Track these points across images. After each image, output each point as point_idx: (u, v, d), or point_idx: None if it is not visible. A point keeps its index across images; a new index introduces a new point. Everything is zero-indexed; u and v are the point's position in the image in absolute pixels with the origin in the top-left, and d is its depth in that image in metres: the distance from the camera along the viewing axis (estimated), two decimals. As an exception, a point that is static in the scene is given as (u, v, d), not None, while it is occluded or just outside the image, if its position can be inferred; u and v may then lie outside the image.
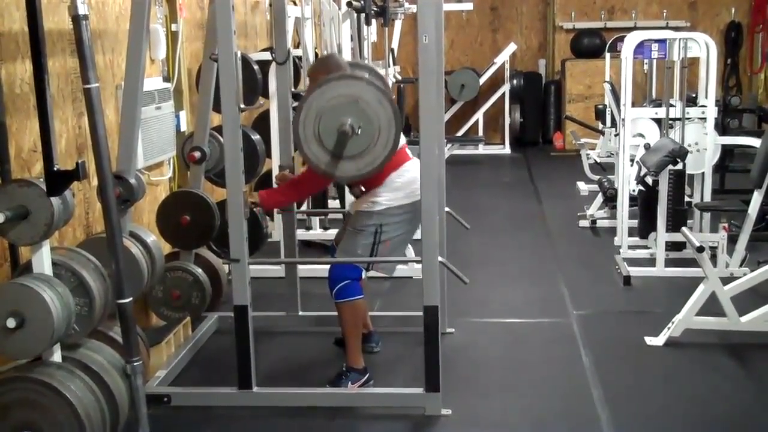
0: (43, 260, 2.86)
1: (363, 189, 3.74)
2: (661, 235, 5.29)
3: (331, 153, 3.27)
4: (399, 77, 8.23)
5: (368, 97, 3.24)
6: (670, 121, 5.82)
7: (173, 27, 4.92)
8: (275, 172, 4.73)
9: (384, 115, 3.25)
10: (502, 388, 3.81)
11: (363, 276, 3.77)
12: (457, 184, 7.40)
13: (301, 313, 4.56)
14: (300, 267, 4.68)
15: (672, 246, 5.44)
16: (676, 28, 9.73)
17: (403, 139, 3.85)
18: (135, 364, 3.01)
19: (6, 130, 3.15)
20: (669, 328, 4.23)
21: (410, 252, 5.40)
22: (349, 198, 4.27)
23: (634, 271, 5.30)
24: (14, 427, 2.83)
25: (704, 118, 5.66)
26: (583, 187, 7.97)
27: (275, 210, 4.95)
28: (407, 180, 3.71)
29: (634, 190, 5.91)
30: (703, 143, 5.63)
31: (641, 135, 6.11)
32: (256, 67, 5.16)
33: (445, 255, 4.11)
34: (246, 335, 3.49)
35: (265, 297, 4.51)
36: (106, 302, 3.03)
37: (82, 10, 2.84)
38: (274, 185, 4.70)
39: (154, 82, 4.50)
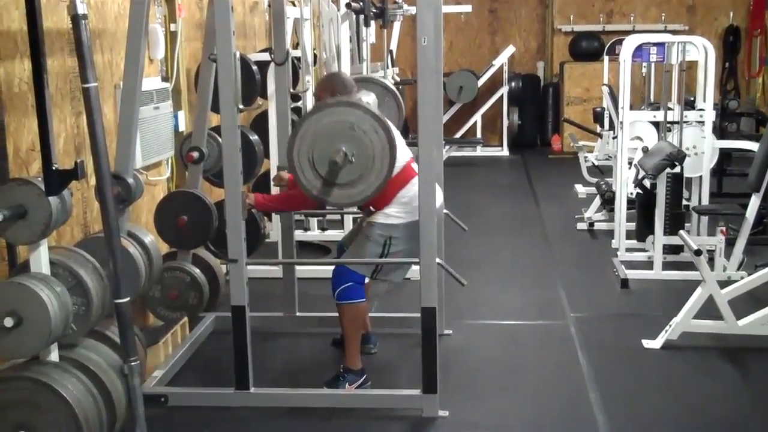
0: (40, 259, 2.85)
1: (372, 209, 3.73)
2: (659, 238, 5.30)
3: (323, 180, 3.27)
4: (398, 79, 8.23)
5: (364, 125, 3.24)
6: (668, 125, 5.83)
7: (172, 27, 4.92)
8: (273, 172, 4.73)
9: (379, 143, 3.25)
10: (499, 390, 3.81)
11: (366, 281, 3.77)
12: (455, 186, 7.39)
13: (298, 313, 4.56)
14: (298, 268, 4.68)
15: (670, 249, 5.45)
16: (675, 32, 9.73)
17: (409, 154, 3.86)
18: (132, 363, 3.01)
19: (4, 129, 3.15)
20: (666, 332, 4.23)
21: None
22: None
23: (632, 274, 5.30)
24: (11, 426, 2.83)
25: (702, 122, 5.67)
26: (580, 189, 7.97)
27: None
28: (415, 195, 3.68)
29: (631, 193, 5.91)
30: (701, 147, 5.64)
31: (639, 138, 6.11)
32: (254, 67, 5.16)
33: (443, 257, 4.11)
34: (243, 336, 3.49)
35: (262, 297, 4.50)
36: (103, 302, 3.03)
37: (81, 9, 2.84)
38: (272, 185, 4.69)
39: (153, 82, 4.50)
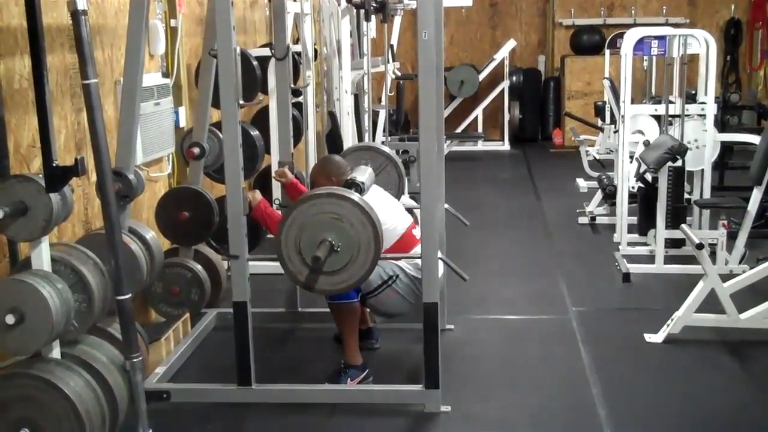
0: (42, 256, 2.85)
1: None
2: (661, 232, 5.29)
3: (309, 268, 3.31)
4: (398, 73, 8.22)
5: (352, 218, 3.28)
6: (670, 118, 5.82)
7: (172, 22, 4.91)
8: (274, 168, 4.73)
9: (365, 236, 3.28)
10: (502, 385, 3.81)
11: (356, 298, 3.76)
12: (457, 181, 7.39)
13: (300, 309, 4.56)
14: (299, 263, 4.67)
15: (671, 243, 5.44)
16: (676, 25, 9.73)
17: (408, 220, 3.88)
18: (134, 360, 3.00)
19: (5, 126, 3.15)
20: (668, 325, 4.23)
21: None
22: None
23: (634, 268, 5.30)
24: (13, 423, 2.83)
25: (704, 115, 5.66)
26: (582, 183, 7.96)
27: (275, 206, 4.93)
28: (418, 264, 3.64)
29: (633, 187, 5.91)
30: (703, 140, 5.63)
31: (641, 132, 6.10)
32: (255, 63, 5.15)
33: (445, 251, 4.10)
34: (245, 332, 3.49)
35: (264, 293, 4.51)
36: (105, 298, 3.02)
37: (81, 5, 2.83)
38: (273, 181, 4.69)
39: (153, 78, 4.49)
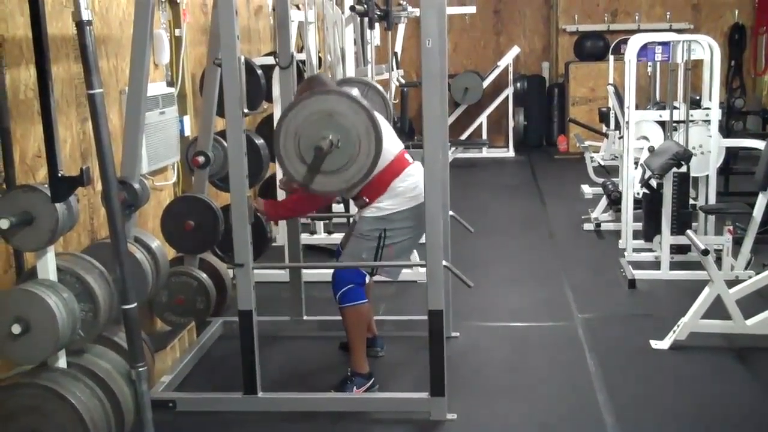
0: (47, 266, 2.86)
1: (367, 200, 3.73)
2: (666, 238, 5.28)
3: (314, 170, 3.28)
4: (402, 81, 8.24)
5: (342, 109, 3.24)
6: (674, 124, 5.81)
7: (177, 32, 4.93)
8: (279, 176, 4.73)
9: (361, 123, 3.25)
10: (507, 392, 3.80)
11: (367, 281, 3.77)
12: (461, 188, 7.40)
13: (305, 317, 4.56)
14: (304, 271, 4.68)
15: (677, 249, 5.43)
16: (680, 31, 9.72)
17: (400, 145, 3.87)
18: (140, 369, 3.01)
19: (10, 136, 3.16)
20: (674, 332, 4.22)
21: (415, 256, 5.40)
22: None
23: (639, 274, 5.29)
24: (19, 432, 2.84)
25: (708, 121, 5.65)
26: (587, 190, 7.95)
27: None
28: (410, 184, 3.71)
29: (638, 193, 5.90)
30: (708, 146, 5.62)
31: (645, 138, 6.11)
32: (259, 71, 5.17)
33: (450, 258, 4.10)
34: (251, 340, 3.49)
35: (269, 302, 4.51)
36: (110, 308, 3.03)
37: (86, 15, 2.84)
38: (278, 190, 4.70)
39: (158, 87, 4.51)
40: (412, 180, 3.72)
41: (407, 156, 3.85)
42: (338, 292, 3.72)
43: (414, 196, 3.68)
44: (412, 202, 3.70)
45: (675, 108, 5.85)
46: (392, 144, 3.77)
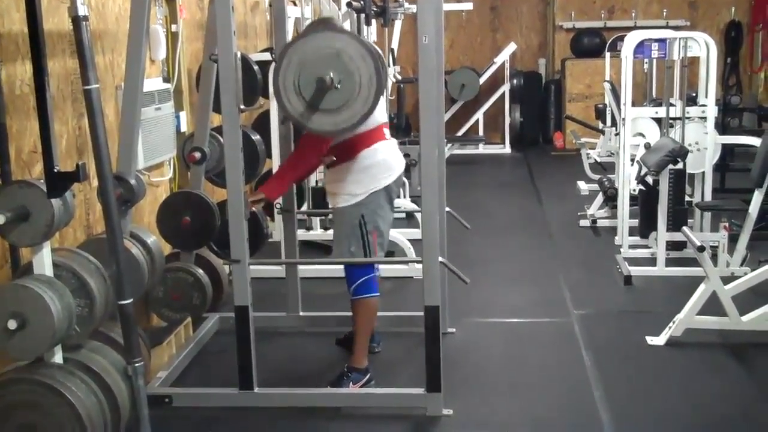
0: (43, 261, 2.85)
1: (334, 158, 3.71)
2: (662, 234, 5.29)
3: (308, 104, 3.22)
4: (399, 77, 8.23)
5: (351, 51, 3.18)
6: (671, 121, 5.82)
7: (173, 28, 4.92)
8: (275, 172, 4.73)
9: (366, 70, 3.19)
10: (504, 388, 3.81)
11: (377, 273, 3.77)
12: (458, 184, 7.40)
13: (302, 313, 4.56)
14: (301, 267, 4.68)
15: (673, 245, 5.44)
16: (676, 28, 9.74)
17: (385, 117, 3.85)
18: (136, 365, 3.01)
19: (6, 131, 3.15)
20: (670, 328, 4.23)
21: (411, 252, 5.41)
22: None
23: (635, 271, 5.30)
24: (15, 428, 2.84)
25: (704, 118, 5.66)
26: (583, 186, 7.96)
27: (276, 210, 4.94)
28: (378, 161, 3.70)
29: (634, 190, 5.91)
30: (704, 142, 5.63)
31: (641, 134, 6.11)
32: (256, 67, 5.15)
33: (446, 255, 4.10)
34: (247, 336, 3.49)
35: (265, 297, 4.51)
36: (106, 303, 3.03)
37: (82, 11, 2.84)
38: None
39: (154, 83, 4.50)
40: (380, 156, 3.70)
41: (386, 131, 3.83)
42: (354, 284, 3.74)
43: (382, 176, 3.69)
44: (381, 182, 3.70)
45: (671, 105, 5.86)
46: (380, 112, 3.73)
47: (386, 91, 6.51)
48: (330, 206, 3.88)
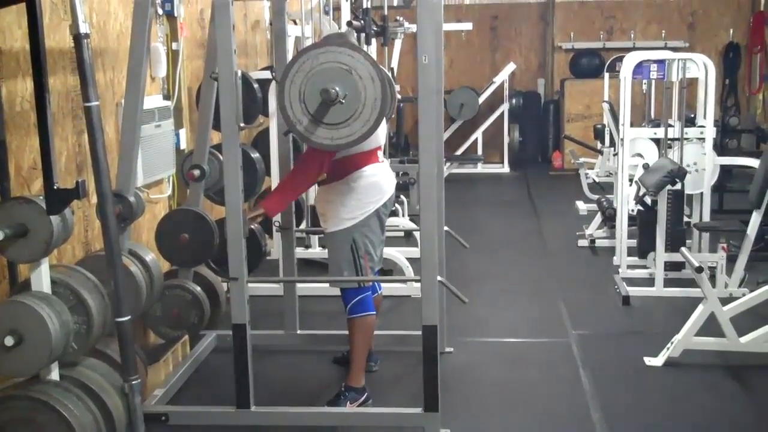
0: (41, 278, 2.85)
1: (325, 175, 3.73)
2: (660, 255, 5.29)
3: (311, 115, 3.23)
4: (398, 96, 8.25)
5: (362, 71, 3.21)
6: (669, 141, 5.83)
7: (174, 46, 4.94)
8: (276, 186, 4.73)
9: (372, 92, 3.22)
10: (501, 408, 3.79)
11: (379, 292, 3.75)
12: (456, 203, 7.41)
13: (299, 331, 4.55)
14: (299, 285, 4.67)
15: (671, 266, 5.44)
16: (675, 49, 9.75)
17: (382, 141, 3.87)
18: (133, 382, 3.00)
19: (6, 148, 3.16)
20: (668, 349, 4.22)
21: (409, 271, 5.40)
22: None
23: (633, 291, 5.29)
24: (11, 445, 2.83)
25: (703, 139, 5.67)
26: (581, 206, 7.97)
27: (274, 228, 4.93)
28: (369, 183, 3.71)
29: (633, 210, 5.91)
30: (702, 163, 5.64)
31: (640, 155, 6.12)
32: (256, 85, 5.18)
33: (444, 274, 4.10)
34: (244, 354, 3.48)
35: (263, 315, 4.50)
36: (104, 320, 3.02)
37: (83, 29, 2.85)
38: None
39: (155, 100, 4.51)
40: (370, 181, 3.71)
41: (380, 153, 3.85)
42: (350, 303, 3.74)
43: (369, 200, 3.71)
44: (369, 206, 3.71)
45: (670, 126, 5.87)
46: (379, 136, 3.75)
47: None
48: (321, 226, 3.89)
